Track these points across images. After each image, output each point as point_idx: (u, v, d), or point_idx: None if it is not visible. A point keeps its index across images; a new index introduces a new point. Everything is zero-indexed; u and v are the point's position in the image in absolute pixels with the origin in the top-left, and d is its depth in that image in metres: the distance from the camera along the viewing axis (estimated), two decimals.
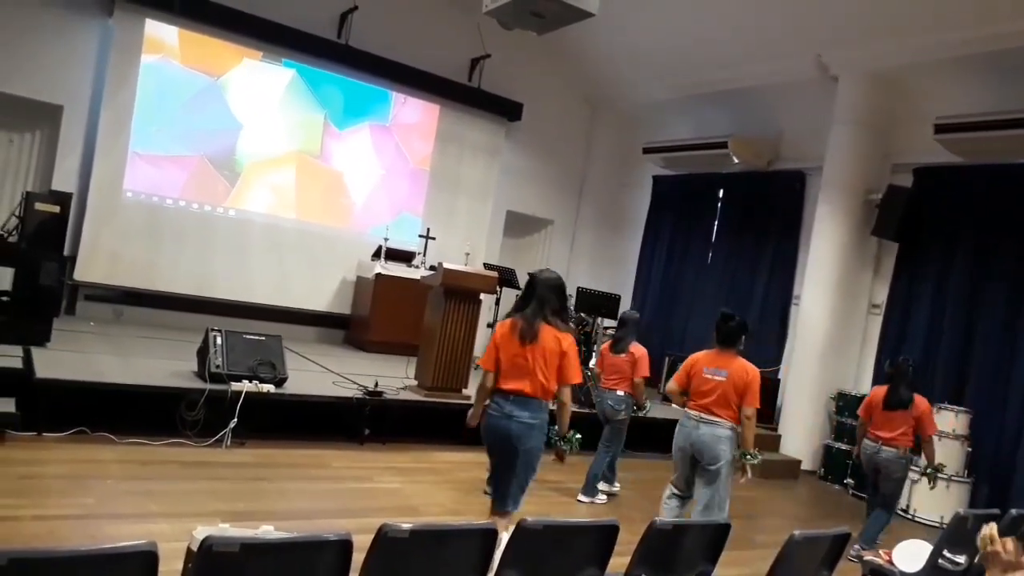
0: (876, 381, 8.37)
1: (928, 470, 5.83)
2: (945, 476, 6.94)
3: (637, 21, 9.59)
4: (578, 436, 4.19)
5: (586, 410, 7.68)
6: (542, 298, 3.89)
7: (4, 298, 6.19)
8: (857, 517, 6.58)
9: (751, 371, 4.60)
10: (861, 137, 8.47)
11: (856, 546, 5.38)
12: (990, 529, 2.42)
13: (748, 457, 4.56)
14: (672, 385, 4.84)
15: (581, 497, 6.01)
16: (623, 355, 6.10)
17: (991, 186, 7.65)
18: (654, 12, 9.39)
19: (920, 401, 5.58)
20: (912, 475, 7.13)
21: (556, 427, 4.05)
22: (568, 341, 3.88)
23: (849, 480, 7.83)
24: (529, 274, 4.10)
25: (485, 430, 3.91)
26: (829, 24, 8.23)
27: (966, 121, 7.35)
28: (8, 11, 7.98)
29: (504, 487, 3.89)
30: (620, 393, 6.05)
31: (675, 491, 4.81)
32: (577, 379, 3.91)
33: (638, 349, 6.11)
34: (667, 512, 4.71)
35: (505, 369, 3.83)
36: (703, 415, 4.60)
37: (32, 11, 8.11)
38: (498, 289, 9.71)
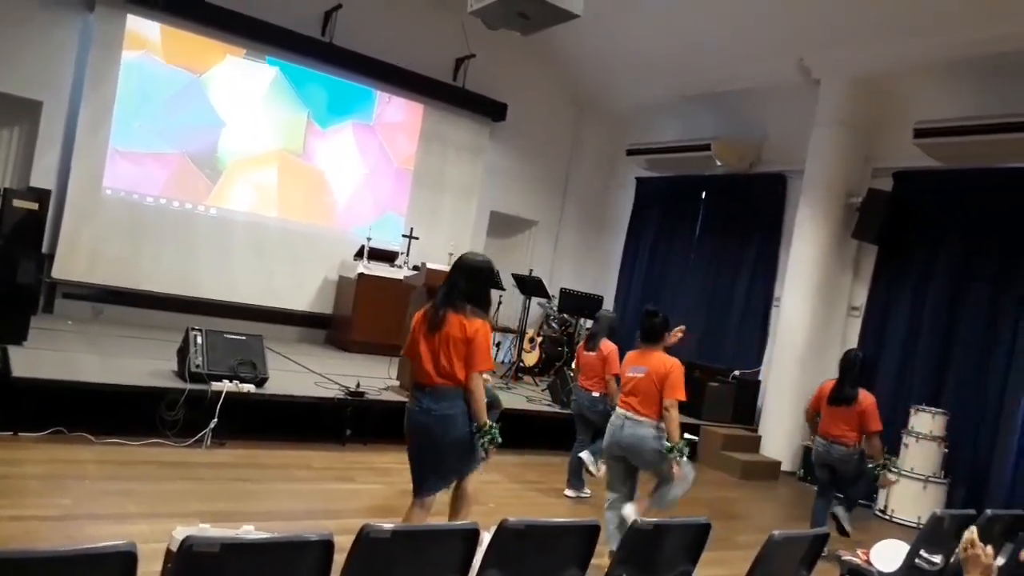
0: None
1: (876, 469, 5.50)
2: (922, 477, 7.04)
3: (622, 23, 9.64)
4: (494, 427, 3.69)
5: (568, 411, 7.71)
6: (453, 284, 3.72)
7: None
8: None
9: (669, 362, 4.52)
10: (842, 140, 8.54)
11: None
12: (972, 533, 2.47)
13: (675, 453, 4.35)
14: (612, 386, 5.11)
15: (568, 492, 6.04)
16: (594, 352, 6.08)
17: (970, 190, 7.74)
18: (639, 14, 9.43)
19: (864, 396, 5.42)
20: (891, 475, 7.22)
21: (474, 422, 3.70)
22: (474, 327, 3.63)
23: None
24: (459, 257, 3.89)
25: (405, 425, 3.76)
26: (811, 28, 8.30)
27: (946, 126, 7.44)
28: None
29: (421, 478, 3.74)
30: (596, 395, 6.00)
31: (613, 495, 4.68)
32: (483, 367, 3.65)
33: (607, 346, 6.01)
34: (611, 525, 4.51)
35: (420, 360, 3.68)
36: (628, 413, 4.55)
37: (12, 5, 8.01)
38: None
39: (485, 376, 3.79)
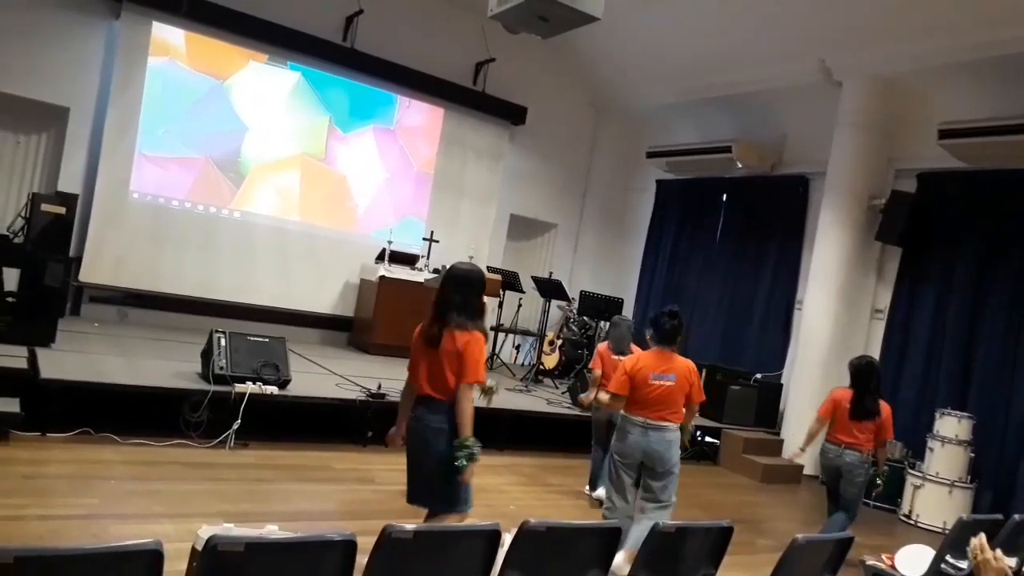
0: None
1: (878, 478, 5.68)
2: (948, 481, 6.96)
3: (642, 25, 9.62)
4: (469, 444, 3.49)
5: (576, 412, 7.70)
6: (446, 298, 3.67)
7: (10, 299, 6.20)
8: (861, 522, 6.55)
9: (693, 369, 4.56)
10: (865, 142, 8.47)
11: None
12: (979, 539, 2.44)
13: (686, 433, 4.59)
14: (606, 394, 4.55)
15: (590, 491, 6.07)
16: (624, 356, 6.06)
17: (995, 191, 7.64)
18: (659, 16, 9.40)
19: (883, 407, 5.41)
20: (915, 480, 7.15)
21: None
22: (464, 339, 3.57)
23: None
24: (475, 271, 3.84)
25: (407, 437, 3.72)
26: (833, 28, 8.24)
27: (970, 127, 7.35)
28: (16, 13, 8.01)
29: (411, 489, 3.70)
30: None
31: (619, 504, 4.54)
32: (472, 378, 3.56)
33: (636, 351, 6.05)
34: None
35: (419, 373, 3.69)
36: (650, 421, 4.41)
37: (39, 13, 8.14)
38: (502, 292, 9.74)
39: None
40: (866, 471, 5.42)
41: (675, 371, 4.47)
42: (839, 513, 5.46)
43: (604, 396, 4.53)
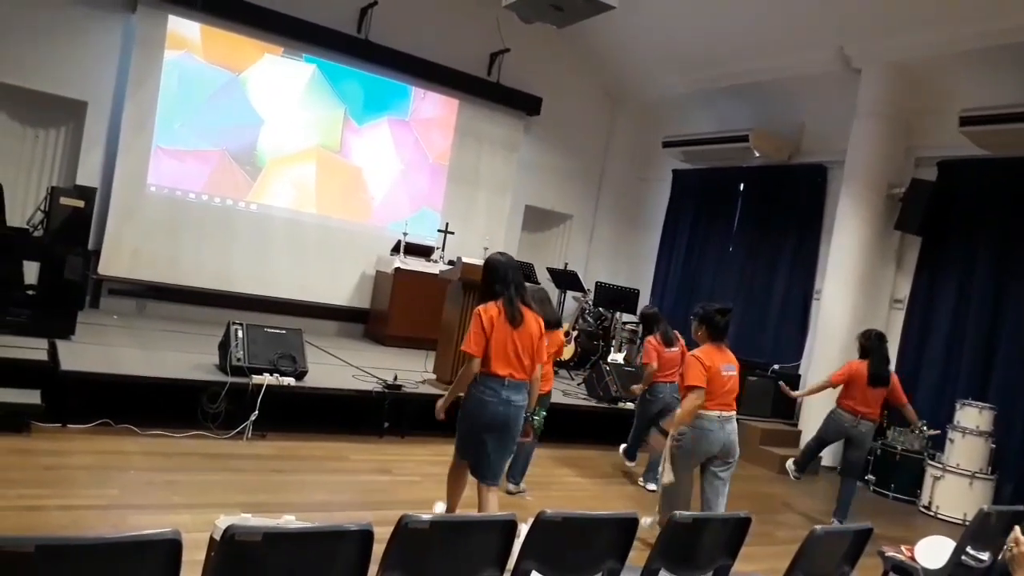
0: (899, 377, 8.27)
1: (920, 427, 6.41)
2: (968, 472, 6.90)
3: (657, 14, 9.54)
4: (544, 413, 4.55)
5: (604, 405, 7.70)
6: (518, 283, 4.01)
7: (30, 292, 6.27)
8: (880, 513, 6.55)
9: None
10: (884, 130, 8.36)
11: (835, 520, 5.81)
12: (1017, 532, 2.41)
13: None
14: (695, 393, 4.47)
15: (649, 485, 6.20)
16: (674, 349, 6.28)
17: (1017, 179, 7.53)
18: (675, 4, 9.33)
19: (892, 374, 6.05)
20: (935, 471, 7.09)
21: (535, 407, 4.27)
22: (542, 323, 4.09)
23: (870, 476, 7.76)
24: (488, 259, 4.14)
25: (483, 414, 3.91)
26: (852, 16, 8.13)
27: (992, 113, 7.24)
28: (33, 8, 8.07)
29: (498, 465, 4.05)
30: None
31: (675, 496, 4.63)
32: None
33: (680, 341, 6.36)
34: None
35: (496, 354, 3.88)
36: (723, 413, 4.54)
37: (57, 8, 8.19)
38: None
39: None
40: (872, 438, 6.14)
41: (734, 363, 4.67)
42: (848, 480, 6.01)
43: (695, 398, 4.48)
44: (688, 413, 4.49)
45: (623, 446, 6.67)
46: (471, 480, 4.14)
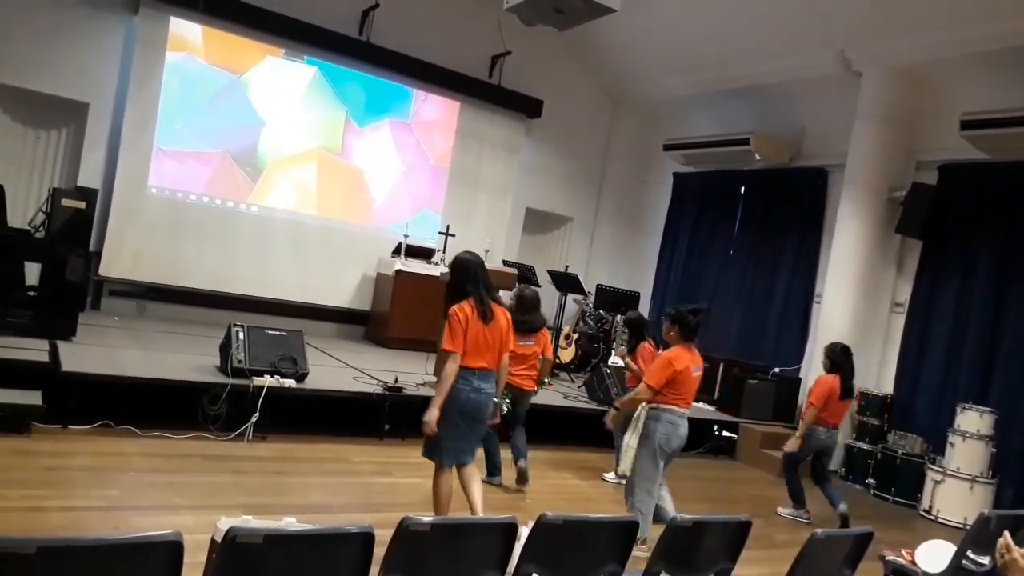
0: (899, 381, 8.30)
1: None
2: (968, 476, 6.90)
3: (659, 16, 9.54)
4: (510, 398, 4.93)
5: (592, 406, 7.70)
6: (485, 281, 4.22)
7: (31, 293, 6.27)
8: (881, 517, 6.56)
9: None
10: (885, 133, 8.37)
11: (839, 506, 6.09)
12: (1006, 538, 2.40)
13: None
14: (647, 389, 4.66)
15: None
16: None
17: (1018, 183, 7.53)
18: (676, 7, 9.33)
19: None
20: (935, 475, 7.09)
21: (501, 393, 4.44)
22: (509, 316, 4.34)
23: (871, 480, 7.76)
24: (457, 258, 4.35)
25: (456, 400, 4.08)
26: (853, 19, 8.14)
27: (994, 117, 7.23)
28: (36, 10, 8.08)
29: (470, 445, 4.29)
30: None
31: (658, 484, 4.79)
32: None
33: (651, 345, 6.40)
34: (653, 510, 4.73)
35: (470, 349, 4.09)
36: (687, 410, 4.76)
37: (59, 10, 8.20)
38: (517, 286, 9.72)
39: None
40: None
41: (701, 363, 4.86)
42: (828, 486, 6.25)
43: (647, 393, 4.70)
44: (636, 403, 4.74)
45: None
46: (456, 487, 4.25)
